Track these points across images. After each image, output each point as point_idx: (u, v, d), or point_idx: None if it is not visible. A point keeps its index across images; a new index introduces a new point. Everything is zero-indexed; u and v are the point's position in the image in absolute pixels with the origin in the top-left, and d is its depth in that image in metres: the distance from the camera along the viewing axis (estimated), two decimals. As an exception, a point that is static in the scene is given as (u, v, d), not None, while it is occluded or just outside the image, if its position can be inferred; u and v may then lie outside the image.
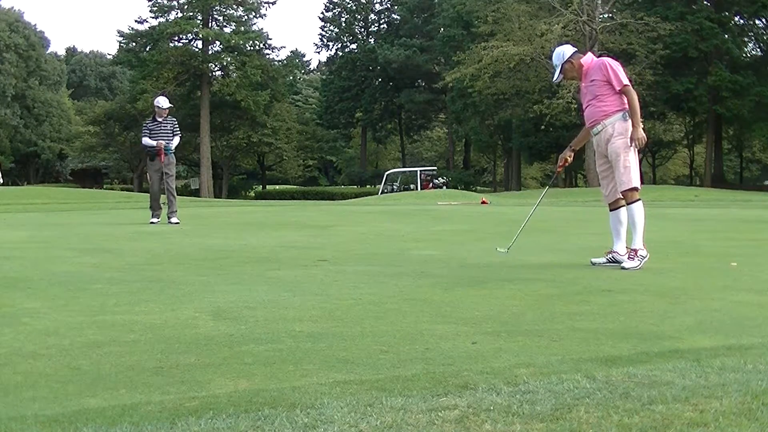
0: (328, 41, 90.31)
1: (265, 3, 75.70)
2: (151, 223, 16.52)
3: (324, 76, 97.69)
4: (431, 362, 4.20)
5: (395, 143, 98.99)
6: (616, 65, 8.61)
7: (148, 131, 17.10)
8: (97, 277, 7.72)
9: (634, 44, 52.31)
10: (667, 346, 4.56)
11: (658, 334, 4.93)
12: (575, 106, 52.13)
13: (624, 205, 8.69)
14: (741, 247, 10.85)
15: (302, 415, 3.21)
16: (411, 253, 10.23)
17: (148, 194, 18.05)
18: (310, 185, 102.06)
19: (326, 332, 5.01)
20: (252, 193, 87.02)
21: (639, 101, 8.62)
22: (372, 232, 14.50)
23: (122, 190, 76.79)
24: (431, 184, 62.68)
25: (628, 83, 8.54)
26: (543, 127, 56.43)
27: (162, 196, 17.10)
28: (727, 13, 58.99)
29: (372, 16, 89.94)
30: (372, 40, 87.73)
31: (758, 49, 64.23)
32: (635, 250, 8.36)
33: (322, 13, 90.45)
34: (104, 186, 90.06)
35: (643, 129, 8.53)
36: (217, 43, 74.30)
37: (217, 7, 73.94)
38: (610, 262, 8.63)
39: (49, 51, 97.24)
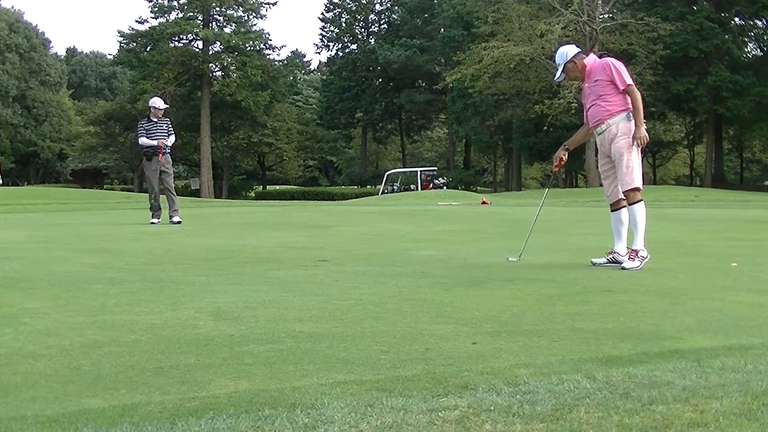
0: (328, 41, 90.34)
1: (266, 3, 75.71)
2: (152, 223, 16.50)
3: (324, 77, 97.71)
4: (431, 362, 4.20)
5: (395, 143, 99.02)
6: (619, 65, 8.63)
7: (144, 131, 17.05)
8: (97, 278, 7.72)
9: (635, 44, 52.32)
10: (668, 346, 4.56)
11: (659, 334, 4.93)
12: (576, 106, 52.15)
13: (625, 206, 8.69)
14: (741, 247, 10.84)
15: (302, 416, 3.21)
16: (411, 254, 10.23)
17: (147, 195, 17.95)
18: (310, 185, 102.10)
19: (326, 332, 5.01)
20: (252, 194, 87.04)
21: (639, 96, 8.61)
22: (372, 232, 14.51)
23: (122, 190, 76.86)
24: (431, 185, 62.68)
25: (632, 83, 8.54)
26: (544, 127, 56.41)
27: (161, 196, 17.09)
28: (727, 14, 58.97)
29: (372, 16, 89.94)
30: (372, 41, 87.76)
31: (758, 50, 64.22)
32: (636, 251, 8.36)
33: (323, 13, 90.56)
34: (104, 186, 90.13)
35: (645, 129, 8.54)
36: (218, 43, 74.30)
37: (218, 8, 73.92)
38: (610, 262, 8.63)
39: (49, 51, 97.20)
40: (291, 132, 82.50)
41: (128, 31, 75.43)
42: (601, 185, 9.06)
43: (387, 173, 69.52)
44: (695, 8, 57.68)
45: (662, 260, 8.67)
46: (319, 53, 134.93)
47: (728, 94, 55.22)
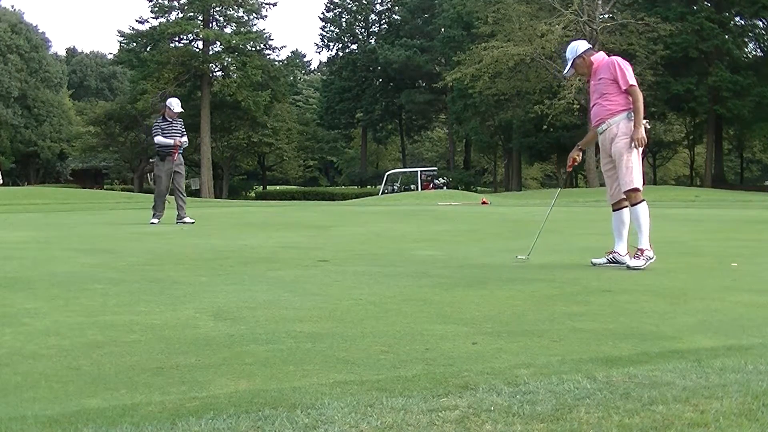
0: (328, 41, 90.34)
1: (266, 4, 75.72)
2: (151, 223, 16.48)
3: (324, 77, 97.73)
4: (432, 362, 4.20)
5: (396, 144, 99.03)
6: (625, 65, 8.64)
7: (160, 130, 16.95)
8: (97, 278, 7.72)
9: (635, 45, 52.35)
10: (668, 346, 4.56)
11: (659, 334, 4.93)
12: (576, 106, 52.24)
13: (627, 206, 8.69)
14: (742, 247, 10.85)
15: (303, 416, 3.20)
16: (411, 254, 10.23)
17: (153, 194, 17.79)
18: (310, 186, 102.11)
19: (327, 332, 5.01)
20: (252, 194, 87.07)
21: (641, 96, 8.57)
22: (372, 232, 14.51)
23: (122, 190, 76.81)
24: (432, 185, 62.72)
25: (635, 83, 8.54)
26: (544, 127, 56.42)
27: (169, 197, 17.05)
28: (727, 14, 59.00)
29: (372, 16, 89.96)
30: (372, 41, 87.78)
31: (759, 50, 64.24)
32: (641, 250, 8.35)
33: (323, 13, 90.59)
34: (104, 186, 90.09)
35: (645, 131, 8.53)
36: (218, 43, 74.25)
37: (218, 8, 73.92)
38: (610, 262, 8.63)
39: (49, 51, 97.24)
40: (291, 132, 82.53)
41: (128, 31, 75.42)
42: (601, 185, 9.07)
43: (387, 173, 69.54)
44: (695, 8, 57.71)
45: (663, 260, 8.66)
46: (319, 53, 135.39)
47: (728, 95, 55.23)
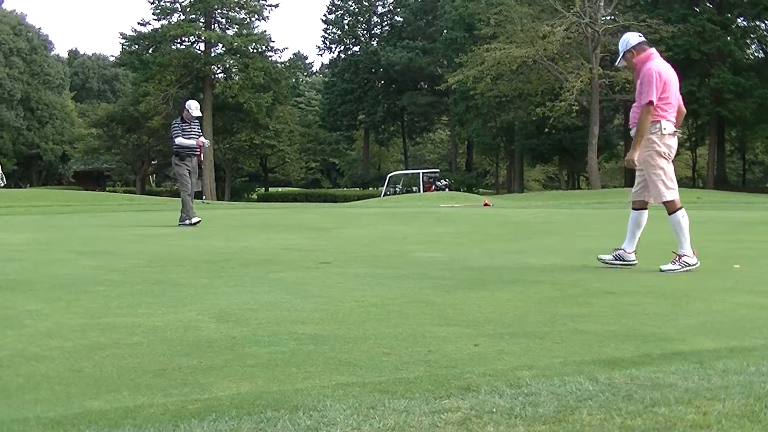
0: (330, 43, 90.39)
1: (268, 5, 75.76)
2: (191, 224, 16.17)
3: (326, 79, 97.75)
4: (434, 364, 4.20)
5: (398, 145, 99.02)
6: (652, 79, 8.33)
7: (181, 131, 16.82)
8: (99, 280, 7.73)
9: (637, 46, 52.28)
10: (670, 348, 4.56)
11: (661, 336, 4.92)
12: (577, 108, 52.22)
13: (646, 209, 8.68)
14: (744, 249, 10.84)
15: (305, 418, 3.21)
16: (413, 256, 10.23)
17: (180, 197, 17.33)
18: (312, 187, 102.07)
19: (329, 334, 5.01)
20: (254, 196, 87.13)
21: (645, 118, 8.30)
22: (374, 234, 14.51)
23: (125, 192, 76.90)
24: (434, 186, 62.69)
25: (651, 102, 8.26)
26: (545, 129, 56.43)
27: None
28: (729, 15, 58.96)
29: (374, 18, 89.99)
30: (374, 43, 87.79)
31: (761, 51, 64.20)
32: (679, 255, 8.28)
33: (325, 15, 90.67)
34: (107, 188, 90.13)
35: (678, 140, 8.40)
36: (220, 45, 74.27)
37: (220, 10, 73.95)
38: (615, 259, 8.59)
39: (51, 53, 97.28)
40: (293, 134, 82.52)
41: (130, 33, 75.47)
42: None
43: (389, 175, 69.55)
44: (697, 10, 57.71)
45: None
46: (321, 55, 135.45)
47: (730, 96, 55.20)
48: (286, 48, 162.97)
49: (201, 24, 73.81)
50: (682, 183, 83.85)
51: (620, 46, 8.80)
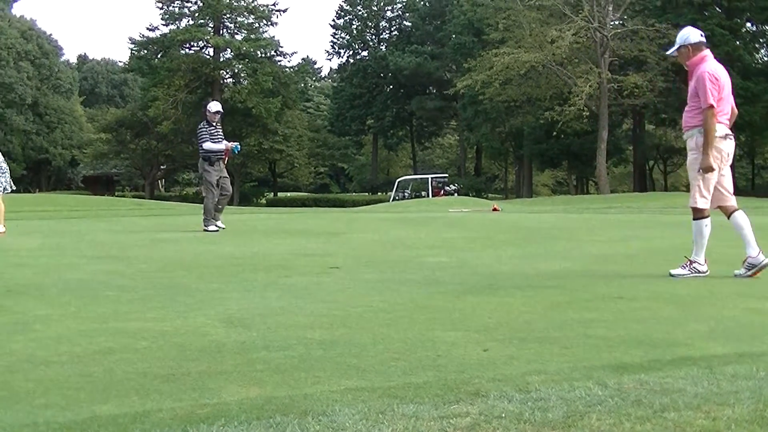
0: (339, 48, 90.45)
1: (276, 10, 75.86)
2: (213, 230, 16.02)
3: (335, 83, 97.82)
4: (443, 369, 4.20)
5: (406, 150, 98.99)
6: (709, 81, 8.33)
7: (208, 135, 16.67)
8: (108, 284, 7.74)
9: (646, 51, 52.33)
10: (679, 353, 4.55)
11: (670, 341, 4.92)
12: (587, 113, 52.16)
13: (735, 210, 8.55)
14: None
15: (314, 423, 3.21)
16: (422, 260, 10.22)
17: (204, 204, 17.05)
18: (321, 192, 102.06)
19: (338, 339, 5.01)
20: (263, 201, 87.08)
21: (711, 122, 8.26)
22: (383, 239, 14.50)
23: (134, 197, 76.93)
24: (442, 191, 62.62)
25: (712, 106, 8.22)
26: (555, 134, 56.38)
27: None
28: (738, 20, 58.80)
29: (383, 23, 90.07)
30: (383, 48, 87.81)
31: (769, 56, 64.05)
32: (692, 261, 8.22)
33: (334, 20, 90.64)
34: (116, 193, 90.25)
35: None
36: (229, 50, 74.39)
37: (228, 15, 74.13)
38: (747, 269, 8.31)
39: (61, 59, 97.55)
40: (302, 139, 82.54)
41: (139, 39, 75.71)
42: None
43: (398, 180, 69.50)
44: (706, 15, 57.53)
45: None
46: (330, 60, 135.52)
47: (739, 101, 54.19)
48: (295, 52, 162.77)
49: (210, 29, 73.97)
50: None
51: (678, 39, 8.71)
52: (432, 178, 67.93)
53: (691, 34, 8.64)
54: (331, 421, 3.23)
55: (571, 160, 72.57)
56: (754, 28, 61.93)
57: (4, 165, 16.07)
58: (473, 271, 8.91)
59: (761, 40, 62.89)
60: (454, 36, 74.33)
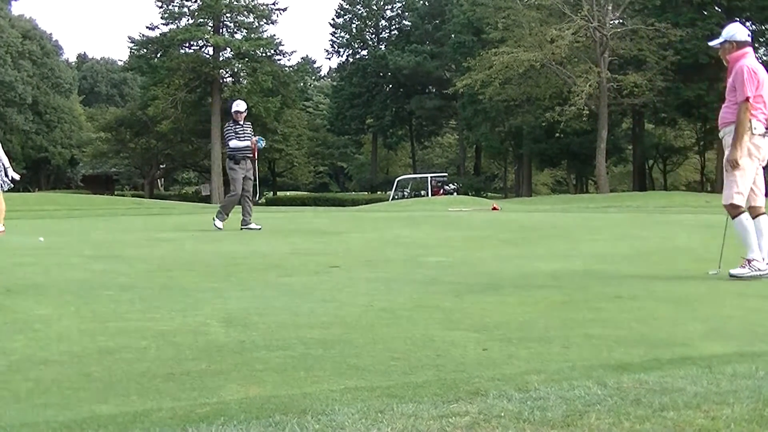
0: (338, 47, 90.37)
1: (276, 9, 75.79)
2: (218, 228, 16.09)
3: (335, 83, 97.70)
4: (442, 369, 4.21)
5: (406, 149, 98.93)
6: (750, 75, 8.25)
7: (234, 134, 16.76)
8: (108, 284, 7.74)
9: (645, 50, 52.32)
10: (679, 352, 4.55)
11: (670, 340, 4.92)
12: (587, 112, 52.17)
13: (762, 214, 8.41)
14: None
15: (313, 422, 3.21)
16: (422, 260, 10.22)
17: (226, 201, 17.03)
18: (320, 191, 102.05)
19: (337, 339, 5.01)
20: (263, 200, 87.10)
21: (744, 115, 8.16)
22: (383, 238, 14.50)
23: (133, 196, 76.92)
24: (442, 191, 62.61)
25: (748, 98, 8.13)
26: (554, 134, 56.37)
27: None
28: (738, 20, 58.83)
29: (383, 22, 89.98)
30: (383, 47, 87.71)
31: (769, 55, 64.08)
32: (749, 260, 8.07)
33: (333, 19, 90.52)
34: (115, 192, 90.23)
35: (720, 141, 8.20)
36: (228, 49, 74.30)
37: (228, 14, 74.04)
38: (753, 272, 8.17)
39: (61, 58, 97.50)
40: (301, 138, 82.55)
41: (139, 38, 75.56)
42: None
43: (397, 179, 69.49)
44: (705, 14, 57.55)
45: (673, 266, 8.64)
46: (329, 59, 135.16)
47: (739, 100, 54.97)
48: (295, 52, 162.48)
49: (209, 28, 73.84)
50: (690, 187, 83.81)
51: (724, 33, 8.62)
52: (431, 177, 67.91)
53: (738, 32, 8.59)
54: (330, 420, 3.23)
55: (571, 159, 72.59)
56: (754, 28, 61.92)
57: (6, 161, 16.01)
58: (473, 271, 8.91)
59: (761, 40, 62.89)
60: (453, 35, 74.28)
